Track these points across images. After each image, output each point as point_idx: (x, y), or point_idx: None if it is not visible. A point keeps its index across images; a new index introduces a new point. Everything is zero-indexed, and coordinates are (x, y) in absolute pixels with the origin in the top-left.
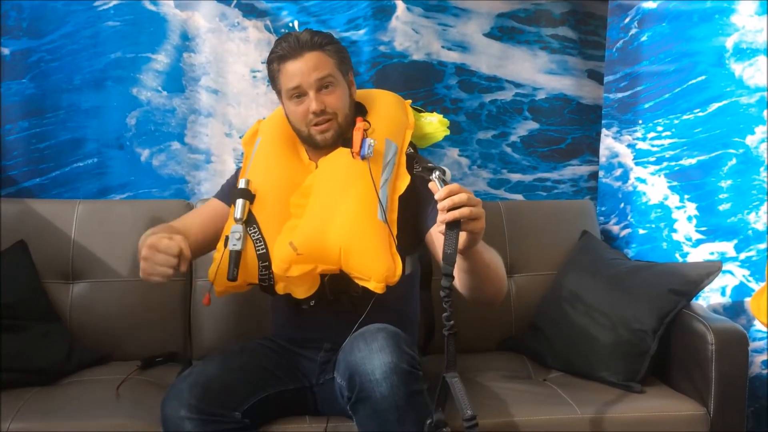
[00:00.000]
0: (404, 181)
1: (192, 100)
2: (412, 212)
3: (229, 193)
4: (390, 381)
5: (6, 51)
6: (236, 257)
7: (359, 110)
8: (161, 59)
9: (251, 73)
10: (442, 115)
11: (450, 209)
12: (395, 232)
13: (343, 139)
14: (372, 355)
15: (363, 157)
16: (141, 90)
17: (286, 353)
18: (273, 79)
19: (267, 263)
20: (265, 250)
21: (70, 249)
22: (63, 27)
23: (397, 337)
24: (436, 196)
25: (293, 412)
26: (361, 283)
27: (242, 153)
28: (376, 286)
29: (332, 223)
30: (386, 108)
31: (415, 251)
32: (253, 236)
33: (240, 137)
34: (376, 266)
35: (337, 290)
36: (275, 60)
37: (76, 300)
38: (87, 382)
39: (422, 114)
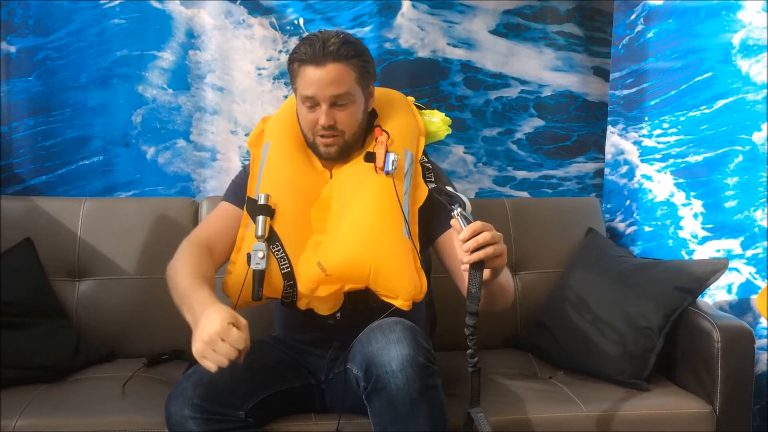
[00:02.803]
0: (423, 192)
1: (197, 97)
2: (424, 219)
3: (246, 204)
4: (406, 373)
5: (12, 49)
6: (260, 277)
7: (371, 115)
8: (167, 57)
9: (257, 71)
10: (444, 114)
11: (474, 250)
12: (419, 247)
13: (366, 153)
14: (389, 346)
15: (387, 173)
16: (147, 87)
17: (292, 351)
18: (291, 77)
19: (292, 282)
20: (289, 269)
21: (76, 246)
22: (69, 25)
23: (414, 331)
24: (460, 237)
25: (298, 410)
26: (388, 300)
27: (247, 151)
28: (403, 303)
29: (360, 241)
30: (398, 113)
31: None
32: (277, 254)
33: (246, 135)
34: (405, 285)
35: (356, 302)
36: (296, 61)
37: (83, 297)
38: (93, 379)
39: (424, 112)
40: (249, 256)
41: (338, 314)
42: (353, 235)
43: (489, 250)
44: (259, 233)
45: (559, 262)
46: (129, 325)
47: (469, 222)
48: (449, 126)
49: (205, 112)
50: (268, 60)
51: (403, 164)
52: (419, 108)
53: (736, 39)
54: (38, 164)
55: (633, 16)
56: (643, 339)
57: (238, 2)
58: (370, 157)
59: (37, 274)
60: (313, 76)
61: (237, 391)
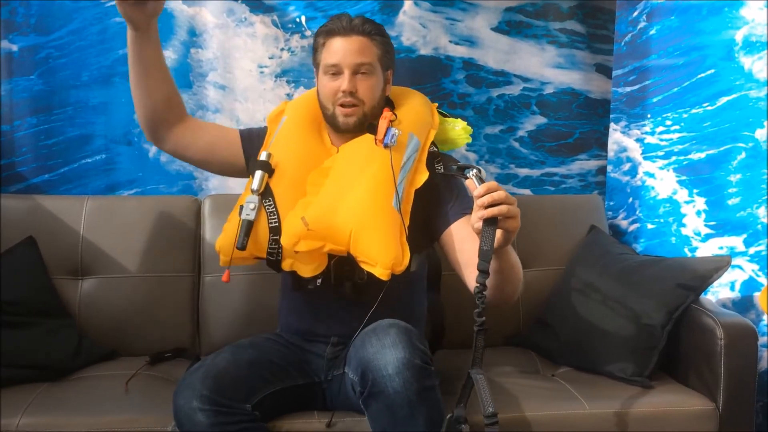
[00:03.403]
0: (422, 176)
1: (199, 95)
2: (426, 211)
3: (249, 163)
4: (403, 376)
5: (14, 47)
6: (248, 227)
7: (388, 105)
8: (169, 55)
9: (258, 69)
10: (466, 123)
11: (488, 207)
12: (407, 223)
13: (368, 125)
14: (384, 350)
15: (386, 146)
16: None
17: (294, 348)
18: (315, 52)
19: (278, 237)
20: (277, 224)
21: (78, 245)
22: (71, 23)
23: (409, 333)
24: (475, 193)
25: (301, 408)
26: (367, 268)
27: None
28: (381, 272)
29: (346, 204)
30: (414, 105)
31: (423, 250)
32: (268, 209)
33: None
34: (384, 252)
35: (342, 275)
36: (323, 33)
37: (85, 296)
38: (96, 377)
39: (447, 120)
40: (241, 208)
41: (319, 280)
42: (339, 197)
43: (503, 208)
44: (254, 186)
45: (561, 259)
46: (131, 324)
47: (483, 182)
48: (470, 135)
49: (207, 111)
50: (269, 58)
51: (405, 143)
52: (443, 115)
53: (738, 36)
54: (40, 163)
55: (635, 13)
56: (646, 336)
57: (240, 0)
58: (372, 129)
59: (39, 273)
60: (339, 46)
61: (244, 385)
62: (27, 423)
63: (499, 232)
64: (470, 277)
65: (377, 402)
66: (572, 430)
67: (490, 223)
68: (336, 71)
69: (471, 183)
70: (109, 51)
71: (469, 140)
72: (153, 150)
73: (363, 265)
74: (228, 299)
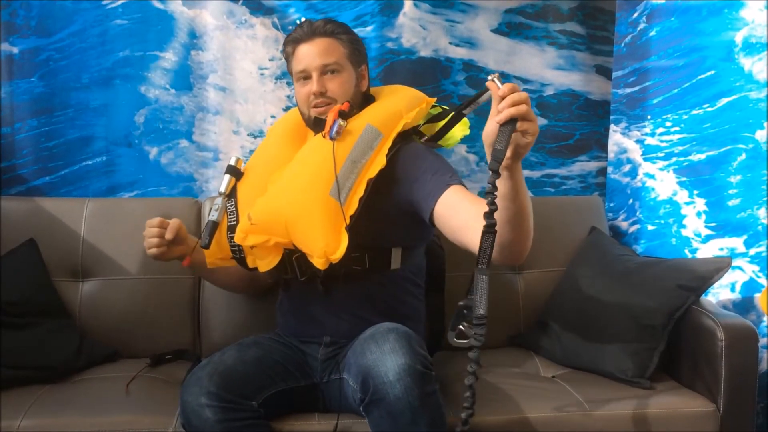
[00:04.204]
0: (378, 165)
1: (200, 97)
2: (401, 200)
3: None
4: (404, 382)
5: (15, 50)
6: (212, 227)
7: (367, 102)
8: (169, 57)
9: (259, 71)
10: (465, 118)
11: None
12: (350, 212)
13: (315, 119)
14: (384, 356)
15: (331, 138)
16: (149, 88)
17: (293, 349)
18: (287, 62)
19: (233, 234)
20: (235, 222)
21: (79, 247)
22: (71, 25)
23: (409, 338)
24: (499, 92)
25: (303, 409)
26: (309, 259)
27: (250, 150)
28: (317, 261)
29: (280, 195)
30: (390, 100)
31: (411, 246)
32: (229, 209)
33: (248, 134)
34: (317, 242)
35: (307, 271)
36: (290, 43)
37: (86, 298)
38: (97, 379)
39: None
40: (210, 210)
41: (272, 275)
42: (277, 189)
43: (522, 107)
44: (221, 189)
45: (562, 260)
46: (132, 325)
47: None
48: (470, 134)
49: (207, 113)
50: (270, 60)
51: (356, 134)
52: (444, 110)
53: (738, 37)
54: (41, 165)
55: (635, 15)
56: (647, 337)
57: (240, 2)
58: (319, 123)
59: (40, 275)
60: (304, 51)
61: (250, 383)
62: (28, 424)
63: (515, 136)
64: (471, 238)
65: (379, 409)
66: (573, 431)
67: (507, 124)
68: (305, 76)
69: (492, 85)
70: (109, 53)
71: (467, 132)
72: (154, 152)
73: (307, 256)
74: (228, 301)
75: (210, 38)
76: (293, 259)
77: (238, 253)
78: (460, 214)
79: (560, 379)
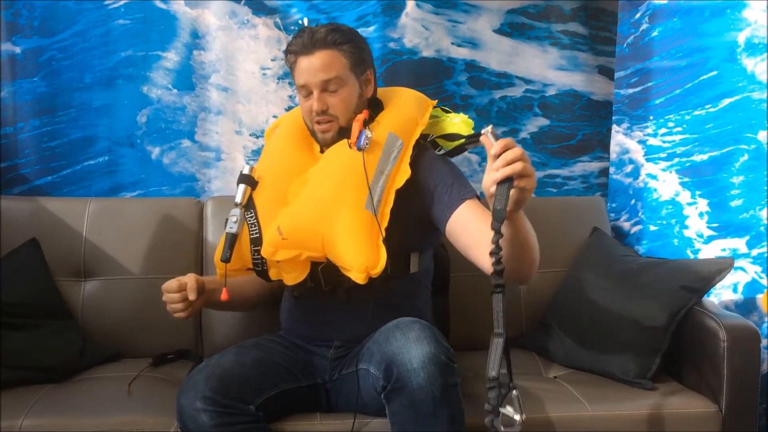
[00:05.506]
0: (403, 175)
1: (202, 97)
2: (420, 208)
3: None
4: (428, 371)
5: (17, 50)
6: (231, 240)
7: (376, 106)
8: (171, 57)
9: (261, 71)
10: (467, 116)
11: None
12: (384, 224)
13: (340, 129)
14: (409, 344)
15: (359, 148)
16: (151, 88)
17: (297, 350)
18: (290, 71)
19: (259, 247)
20: (258, 235)
21: (81, 247)
22: (74, 25)
23: (432, 329)
24: (492, 151)
25: (304, 409)
26: (345, 273)
27: (252, 150)
28: (357, 276)
29: (318, 210)
30: (399, 105)
31: (424, 249)
32: (249, 221)
33: (250, 134)
34: (357, 257)
35: (332, 281)
36: (291, 53)
37: (88, 298)
38: (99, 379)
39: (447, 115)
40: (226, 222)
41: (310, 284)
42: (310, 203)
43: (518, 165)
44: (237, 200)
45: (564, 261)
46: (134, 325)
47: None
48: (471, 128)
49: (209, 113)
50: (272, 60)
51: (381, 144)
52: (445, 111)
53: (741, 37)
54: (43, 165)
55: (638, 15)
56: (649, 338)
57: (243, 2)
58: (345, 133)
59: (42, 275)
60: (304, 65)
61: (248, 386)
62: (30, 424)
63: (513, 192)
64: (480, 256)
65: (400, 398)
66: (575, 431)
67: (505, 182)
68: (306, 92)
69: (486, 140)
70: (112, 53)
71: (471, 132)
72: (156, 152)
73: (342, 271)
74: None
75: (212, 38)
76: (318, 270)
77: (260, 265)
78: (471, 233)
79: (562, 379)
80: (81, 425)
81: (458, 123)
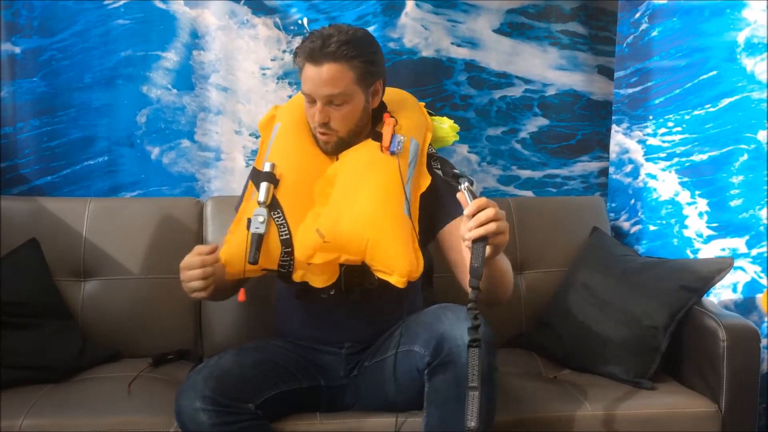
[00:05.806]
0: (426, 180)
1: (202, 97)
2: (428, 210)
3: (250, 174)
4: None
5: (17, 49)
6: (258, 240)
7: (380, 108)
8: (171, 57)
9: (261, 71)
10: (453, 121)
11: (478, 225)
12: (417, 228)
13: (371, 131)
14: (461, 323)
15: (392, 153)
16: (151, 88)
17: (302, 351)
18: (298, 70)
19: (290, 249)
20: (288, 236)
21: (81, 247)
22: (74, 25)
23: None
24: (466, 212)
25: (304, 410)
26: (383, 277)
27: (252, 150)
28: (398, 280)
29: (360, 213)
30: (408, 110)
31: (424, 249)
32: (277, 221)
33: (250, 134)
34: (401, 261)
35: (352, 282)
36: (300, 55)
37: (88, 298)
38: (99, 379)
39: (434, 118)
40: (249, 221)
41: (333, 290)
42: (354, 207)
43: (491, 226)
44: (261, 199)
45: (563, 261)
46: (134, 325)
47: (474, 197)
48: (457, 133)
49: (209, 113)
50: (272, 60)
51: (408, 148)
52: (430, 114)
53: (740, 37)
54: (43, 165)
55: (637, 15)
56: (649, 338)
57: (242, 2)
58: (377, 136)
59: (42, 275)
60: (311, 74)
61: (247, 386)
62: (30, 424)
63: (488, 248)
64: (461, 276)
65: (445, 373)
66: (574, 431)
67: (480, 240)
68: (310, 100)
69: (462, 197)
70: (112, 53)
71: (457, 138)
72: (156, 152)
73: (379, 274)
74: (230, 301)
75: (212, 38)
76: (341, 270)
77: (287, 267)
78: (457, 251)
79: (562, 379)
80: (81, 425)
81: (446, 128)
